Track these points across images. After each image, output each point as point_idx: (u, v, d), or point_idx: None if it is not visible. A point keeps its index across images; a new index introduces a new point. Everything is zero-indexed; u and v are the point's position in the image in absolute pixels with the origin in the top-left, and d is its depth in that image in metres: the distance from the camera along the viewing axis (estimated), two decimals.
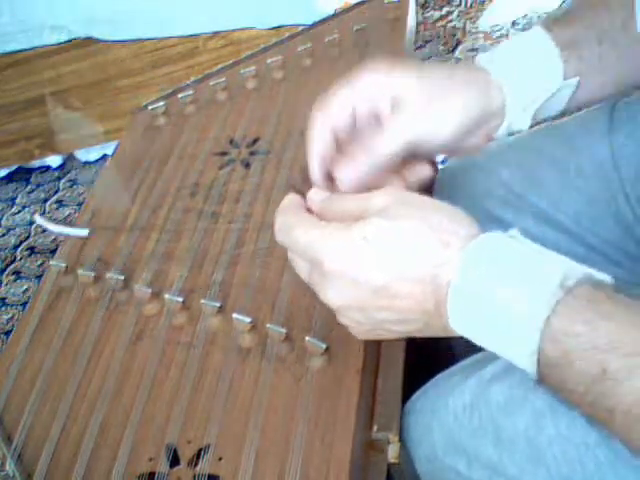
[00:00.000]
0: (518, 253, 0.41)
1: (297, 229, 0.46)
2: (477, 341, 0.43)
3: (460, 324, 0.42)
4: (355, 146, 0.53)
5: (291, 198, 0.50)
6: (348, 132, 0.54)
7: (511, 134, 0.56)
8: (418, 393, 0.58)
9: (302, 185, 0.54)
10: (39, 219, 0.73)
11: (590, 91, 0.56)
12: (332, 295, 0.45)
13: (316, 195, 0.50)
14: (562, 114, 0.59)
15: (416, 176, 0.54)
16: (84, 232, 0.71)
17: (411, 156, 0.53)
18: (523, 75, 0.53)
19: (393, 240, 0.42)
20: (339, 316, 0.47)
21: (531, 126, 0.56)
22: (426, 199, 0.45)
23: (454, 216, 0.44)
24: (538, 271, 0.40)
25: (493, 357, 0.55)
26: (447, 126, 0.51)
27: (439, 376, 0.59)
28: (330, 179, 0.53)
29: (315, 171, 0.53)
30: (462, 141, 0.53)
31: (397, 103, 0.51)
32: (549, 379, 0.40)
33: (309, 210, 0.50)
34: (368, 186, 0.50)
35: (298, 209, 0.49)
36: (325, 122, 0.53)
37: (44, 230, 1.77)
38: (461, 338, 0.85)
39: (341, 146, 0.54)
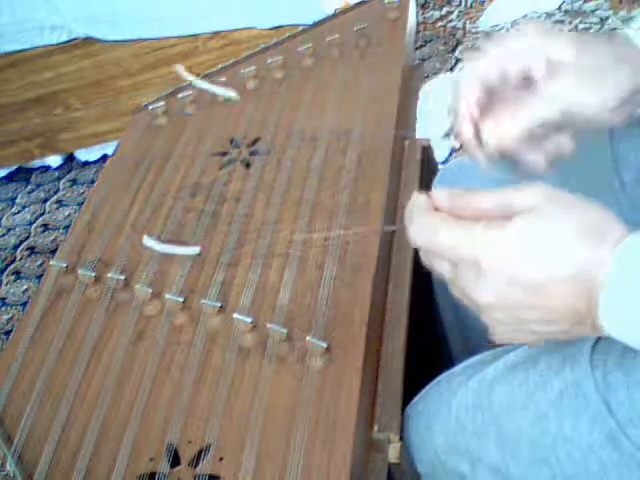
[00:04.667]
0: None
1: (441, 230, 0.44)
2: (631, 341, 0.41)
3: (614, 324, 0.41)
4: (502, 108, 0.52)
5: (420, 198, 0.48)
6: (494, 91, 0.53)
7: None
8: (419, 395, 0.58)
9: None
10: (147, 240, 0.71)
11: None
12: (484, 293, 0.43)
13: (442, 193, 0.48)
14: None
15: (557, 149, 0.53)
16: (196, 250, 0.69)
17: (555, 127, 0.52)
18: None
19: (549, 238, 0.42)
20: (485, 316, 0.46)
21: None
22: (574, 197, 0.44)
23: (603, 215, 0.43)
24: None
25: (494, 358, 0.55)
26: (601, 97, 0.50)
27: (440, 377, 0.58)
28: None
29: (466, 126, 0.52)
30: (609, 115, 0.52)
31: (555, 68, 0.50)
32: None
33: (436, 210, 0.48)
34: (510, 152, 0.50)
35: (431, 209, 0.47)
36: (478, 74, 0.52)
37: (45, 230, 1.77)
38: (461, 339, 0.85)
39: (484, 107, 0.53)
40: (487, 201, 0.45)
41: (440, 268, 0.46)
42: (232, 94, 0.71)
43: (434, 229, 0.45)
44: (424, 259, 0.47)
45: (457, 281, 0.45)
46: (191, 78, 0.82)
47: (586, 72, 0.50)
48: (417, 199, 0.48)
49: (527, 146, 0.52)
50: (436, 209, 0.47)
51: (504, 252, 0.42)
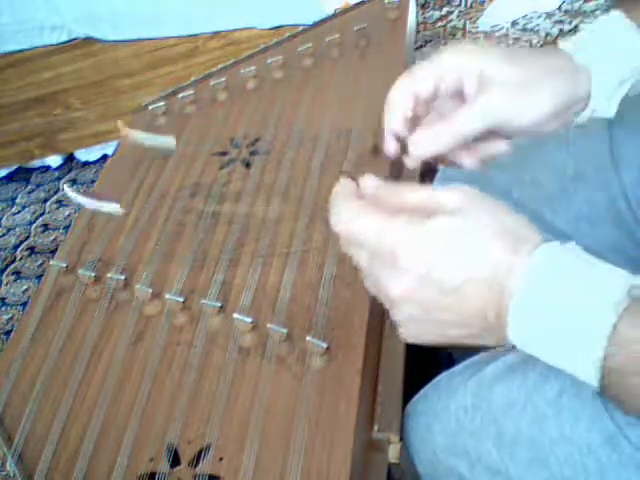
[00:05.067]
0: (583, 262, 0.41)
1: (361, 218, 0.44)
2: (536, 352, 0.42)
3: (519, 334, 0.41)
4: (434, 118, 0.54)
5: (345, 184, 0.48)
6: (427, 104, 0.54)
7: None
8: (418, 395, 0.58)
9: (354, 171, 0.53)
10: (68, 190, 0.71)
11: None
12: (397, 284, 0.43)
13: (371, 181, 0.48)
14: None
15: (490, 152, 0.55)
16: (116, 207, 0.69)
17: (488, 133, 0.53)
18: (608, 59, 0.53)
19: (467, 238, 0.42)
20: (395, 310, 0.46)
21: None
22: (498, 203, 0.45)
23: (524, 225, 0.43)
24: (604, 279, 0.39)
25: (493, 358, 0.55)
26: (534, 110, 0.52)
27: (439, 377, 0.58)
28: (400, 149, 0.54)
29: (389, 134, 0.54)
30: (544, 125, 0.53)
31: (486, 82, 0.51)
32: (611, 389, 0.39)
33: (360, 197, 0.48)
34: (439, 157, 0.52)
35: (353, 196, 0.47)
36: (408, 88, 0.53)
37: (45, 230, 1.77)
38: None
39: (416, 119, 0.54)
40: (413, 196, 0.45)
41: (356, 256, 0.46)
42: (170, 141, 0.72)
43: (355, 214, 0.45)
44: (342, 246, 0.47)
45: (371, 271, 0.45)
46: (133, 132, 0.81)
47: (518, 86, 0.51)
48: (340, 184, 0.48)
49: (459, 150, 0.54)
50: (359, 197, 0.47)
51: (423, 246, 0.42)
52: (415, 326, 0.46)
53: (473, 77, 0.52)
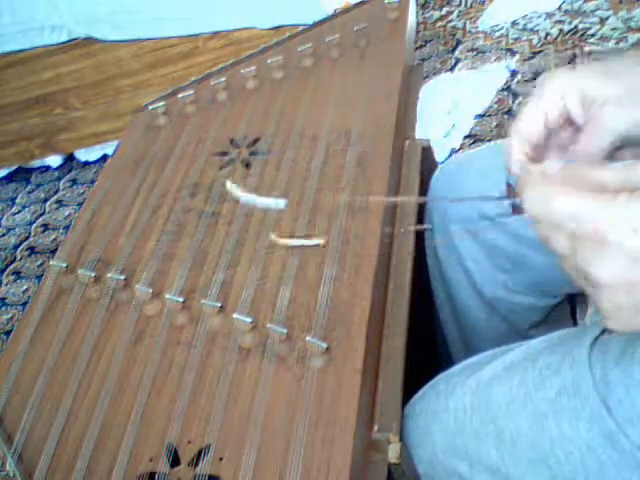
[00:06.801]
0: None
1: (560, 199, 0.42)
2: None
3: None
4: (553, 153, 0.54)
5: (533, 169, 0.47)
6: (542, 144, 0.54)
7: None
8: (417, 395, 0.58)
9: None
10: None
11: None
12: (607, 270, 0.40)
13: (557, 164, 0.47)
14: None
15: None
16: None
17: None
18: None
19: None
20: (603, 296, 0.42)
21: None
22: None
23: None
24: None
25: (492, 358, 0.55)
26: None
27: (438, 378, 0.58)
28: None
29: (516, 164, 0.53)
30: None
31: (589, 102, 0.51)
32: None
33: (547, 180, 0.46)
34: None
35: (545, 180, 0.45)
36: (520, 138, 0.53)
37: (45, 230, 1.77)
38: (459, 339, 0.85)
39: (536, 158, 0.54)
40: (609, 174, 0.43)
41: (555, 241, 0.44)
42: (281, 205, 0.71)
43: (551, 197, 0.43)
44: (538, 232, 0.45)
45: (573, 255, 0.42)
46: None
47: (624, 92, 0.51)
48: (530, 170, 0.46)
49: None
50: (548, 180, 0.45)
51: (631, 226, 0.39)
52: (623, 314, 0.42)
53: (575, 101, 0.52)
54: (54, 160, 1.94)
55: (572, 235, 0.42)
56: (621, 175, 0.42)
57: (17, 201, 1.91)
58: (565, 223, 0.42)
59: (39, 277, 1.62)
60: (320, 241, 0.65)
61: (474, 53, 1.84)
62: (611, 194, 0.41)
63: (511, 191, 0.55)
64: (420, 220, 0.76)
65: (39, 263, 1.68)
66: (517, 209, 0.50)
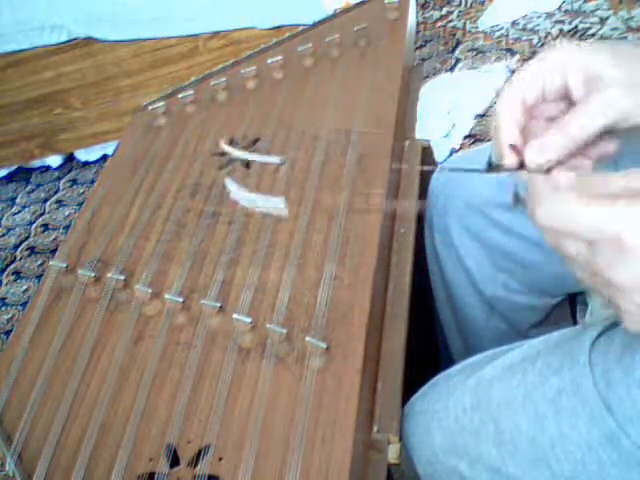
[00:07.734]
0: None
1: (578, 208, 0.42)
2: None
3: None
4: (541, 125, 0.51)
5: (541, 181, 0.46)
6: (530, 110, 0.52)
7: None
8: (417, 395, 0.58)
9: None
10: (228, 182, 0.68)
11: None
12: (625, 272, 0.40)
13: (567, 175, 0.46)
14: None
15: (600, 152, 0.52)
16: (280, 203, 0.67)
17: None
18: None
19: None
20: (621, 299, 0.42)
21: None
22: None
23: None
24: None
25: (492, 358, 0.55)
26: None
27: (438, 377, 0.58)
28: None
29: (507, 148, 0.50)
30: None
31: (593, 79, 0.49)
32: None
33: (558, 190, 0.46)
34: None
35: (557, 189, 0.45)
36: (515, 96, 0.51)
37: (45, 230, 1.77)
38: (459, 339, 0.85)
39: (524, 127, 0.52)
40: (618, 182, 0.43)
41: (570, 249, 0.44)
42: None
43: (565, 206, 0.42)
44: (550, 240, 0.45)
45: (593, 261, 0.42)
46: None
47: (629, 78, 0.49)
48: (540, 182, 0.46)
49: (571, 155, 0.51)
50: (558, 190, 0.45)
51: None
52: None
53: (576, 75, 0.50)
54: (54, 160, 1.94)
55: (592, 242, 0.41)
56: (628, 182, 0.42)
57: (17, 201, 1.91)
58: (587, 233, 0.42)
59: (39, 277, 1.62)
60: (282, 205, 0.63)
61: (474, 53, 1.84)
62: (626, 199, 0.41)
63: (516, 199, 0.54)
64: (420, 220, 0.76)
65: (39, 263, 1.68)
66: (517, 198, 0.50)
